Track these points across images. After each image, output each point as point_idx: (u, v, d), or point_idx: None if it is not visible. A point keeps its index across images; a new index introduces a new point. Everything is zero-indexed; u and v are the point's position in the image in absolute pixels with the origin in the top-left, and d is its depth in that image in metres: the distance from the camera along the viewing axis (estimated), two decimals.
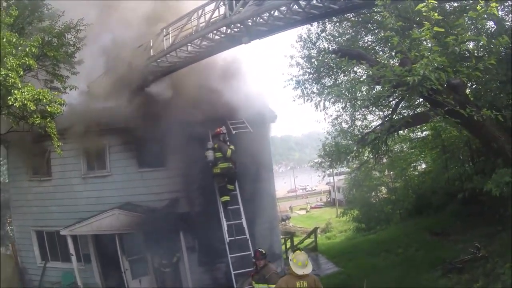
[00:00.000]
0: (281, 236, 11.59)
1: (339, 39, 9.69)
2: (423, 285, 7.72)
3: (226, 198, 8.24)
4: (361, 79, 8.10)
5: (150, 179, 10.00)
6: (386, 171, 16.97)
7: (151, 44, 8.61)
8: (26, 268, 11.19)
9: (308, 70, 9.70)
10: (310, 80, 9.71)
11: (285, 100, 13.92)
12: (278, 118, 10.40)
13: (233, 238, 7.93)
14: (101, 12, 9.46)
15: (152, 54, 8.54)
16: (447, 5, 7.79)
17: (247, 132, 9.13)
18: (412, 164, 15.81)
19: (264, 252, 6.30)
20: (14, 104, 6.54)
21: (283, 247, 12.09)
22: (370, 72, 7.91)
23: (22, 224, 11.33)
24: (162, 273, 9.54)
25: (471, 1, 6.92)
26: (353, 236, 18.64)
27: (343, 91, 7.26)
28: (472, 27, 6.75)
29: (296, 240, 14.34)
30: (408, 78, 5.49)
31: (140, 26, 9.27)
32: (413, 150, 15.12)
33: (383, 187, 17.98)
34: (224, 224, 7.95)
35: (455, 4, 7.81)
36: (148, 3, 9.37)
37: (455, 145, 11.99)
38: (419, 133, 13.97)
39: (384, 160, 13.54)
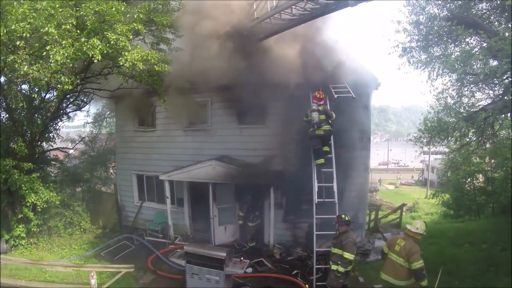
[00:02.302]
0: (367, 207, 11.49)
1: (451, 5, 8.69)
2: None
3: (322, 160, 8.28)
4: (475, 51, 7.32)
5: (248, 135, 10.47)
6: (488, 158, 15.30)
7: (255, 7, 8.70)
8: (124, 205, 12.82)
9: (416, 37, 8.90)
10: (417, 48, 8.94)
11: (388, 68, 13.01)
12: (380, 86, 10.01)
13: (321, 199, 8.00)
14: None
15: (255, 16, 8.62)
16: None
17: (348, 97, 8.95)
18: None
19: (347, 218, 6.38)
20: (125, 64, 7.32)
21: (367, 218, 11.98)
22: (485, 44, 7.17)
23: (125, 168, 12.84)
24: (247, 225, 10.20)
25: None
26: (439, 221, 17.73)
27: (457, 64, 6.71)
28: None
29: (380, 214, 14.00)
30: None
31: None
32: None
33: (480, 175, 16.31)
34: (315, 185, 8.04)
35: None
36: None
37: None
38: None
39: (487, 145, 12.26)
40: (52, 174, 12.48)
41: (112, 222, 12.78)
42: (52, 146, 11.97)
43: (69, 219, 11.16)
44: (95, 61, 7.36)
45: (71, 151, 15.99)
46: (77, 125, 20.79)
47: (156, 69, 8.15)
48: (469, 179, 16.43)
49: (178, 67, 9.49)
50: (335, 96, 8.95)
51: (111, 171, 16.98)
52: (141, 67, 7.59)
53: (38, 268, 8.39)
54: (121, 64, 7.45)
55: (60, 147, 13.11)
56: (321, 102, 8.50)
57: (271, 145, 9.80)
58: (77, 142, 17.15)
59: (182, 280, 7.60)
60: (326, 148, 8.36)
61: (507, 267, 7.89)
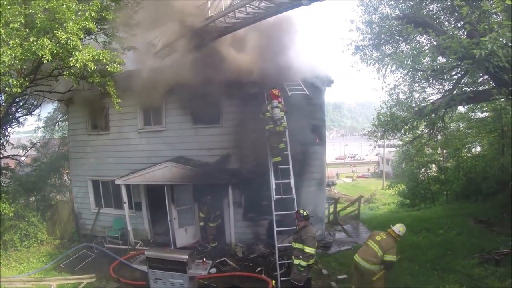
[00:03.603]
0: (325, 201, 11.70)
1: (403, 5, 9.09)
2: (457, 270, 7.61)
3: (279, 158, 8.36)
4: (424, 49, 7.72)
5: (204, 135, 10.32)
6: (439, 149, 16.30)
7: (209, 5, 8.55)
8: (81, 213, 12.23)
9: (369, 36, 9.23)
10: (370, 46, 9.27)
11: (341, 66, 13.42)
12: (333, 83, 10.14)
13: (279, 196, 8.06)
14: None
15: (210, 14, 8.48)
16: None
17: (303, 95, 9.05)
18: (467, 145, 15.00)
19: (306, 214, 6.50)
20: (75, 65, 6.94)
21: (326, 211, 12.22)
22: (435, 42, 7.57)
23: (80, 174, 12.21)
24: (208, 226, 10.05)
25: None
26: (396, 210, 18.48)
27: (406, 60, 7.02)
28: None
29: (339, 207, 14.28)
30: (475, 51, 5.36)
31: None
32: (470, 131, 14.32)
33: (433, 165, 17.34)
34: (273, 182, 8.10)
35: None
36: None
37: None
38: (478, 113, 13.20)
39: (439, 137, 13.02)
40: (4, 184, 11.67)
41: (69, 231, 12.16)
42: (2, 154, 11.38)
43: (24, 231, 10.62)
44: (45, 61, 6.99)
45: (22, 159, 14.97)
46: (28, 130, 19.59)
47: (108, 69, 7.77)
48: (422, 169, 17.46)
49: (131, 67, 9.15)
50: (289, 94, 9.06)
51: (66, 177, 16.05)
52: (92, 68, 7.21)
53: None
54: (71, 64, 7.04)
55: (11, 155, 12.48)
56: (280, 100, 8.57)
57: (227, 144, 9.78)
58: (29, 148, 16.05)
59: (146, 285, 7.44)
60: (282, 145, 8.44)
61: (463, 250, 8.43)
